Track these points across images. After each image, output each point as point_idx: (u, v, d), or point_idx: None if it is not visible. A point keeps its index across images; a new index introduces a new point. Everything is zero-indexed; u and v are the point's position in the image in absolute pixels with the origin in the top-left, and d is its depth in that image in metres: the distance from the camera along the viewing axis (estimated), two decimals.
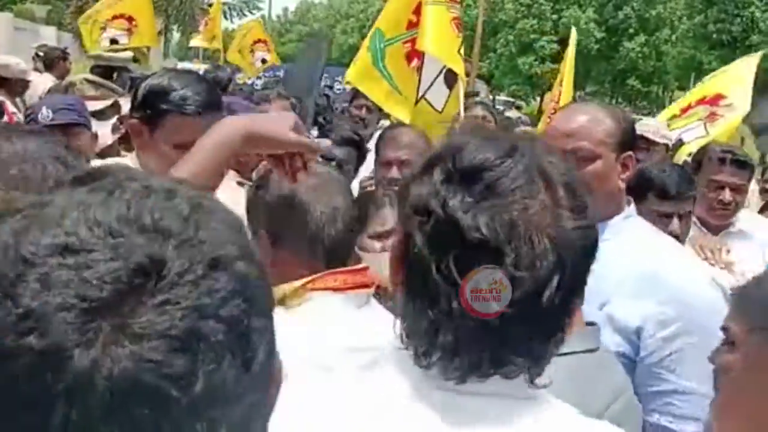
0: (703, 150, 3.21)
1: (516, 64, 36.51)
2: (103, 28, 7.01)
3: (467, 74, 8.35)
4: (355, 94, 4.68)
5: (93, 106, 3.08)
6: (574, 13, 35.33)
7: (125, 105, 2.88)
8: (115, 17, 7.05)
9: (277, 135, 1.34)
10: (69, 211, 0.52)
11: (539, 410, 0.89)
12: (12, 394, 0.47)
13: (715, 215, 2.80)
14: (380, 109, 4.57)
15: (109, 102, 3.29)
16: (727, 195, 2.77)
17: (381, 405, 0.91)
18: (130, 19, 7.12)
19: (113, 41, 6.97)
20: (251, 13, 26.73)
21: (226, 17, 26.99)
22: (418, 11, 3.68)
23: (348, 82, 4.41)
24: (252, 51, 8.25)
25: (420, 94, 3.67)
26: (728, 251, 2.52)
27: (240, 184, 2.29)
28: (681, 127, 4.60)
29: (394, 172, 2.57)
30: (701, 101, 4.74)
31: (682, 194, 2.41)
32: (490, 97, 27.42)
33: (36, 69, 6.49)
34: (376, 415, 0.91)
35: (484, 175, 0.85)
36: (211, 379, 0.50)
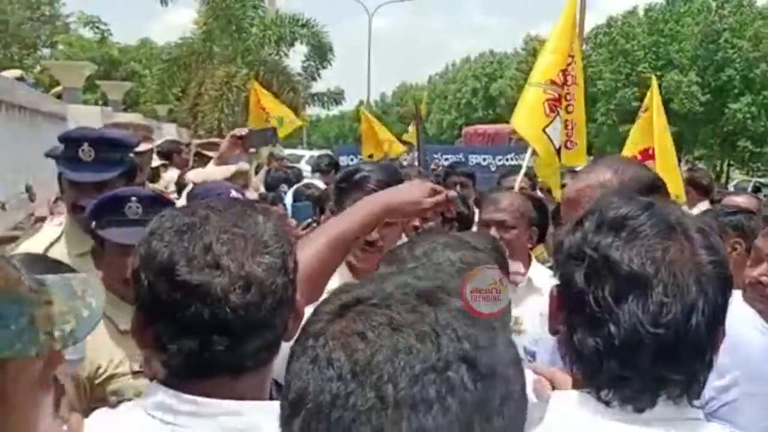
0: None
1: (618, 132, 35.97)
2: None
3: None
4: None
5: None
6: (675, 77, 34.67)
7: None
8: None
9: (413, 202, 1.55)
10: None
11: (702, 428, 1.03)
12: None
13: None
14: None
15: None
16: None
17: None
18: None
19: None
20: (344, 100, 27.71)
21: (324, 106, 28.12)
22: (564, 73, 3.95)
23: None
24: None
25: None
26: None
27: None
28: None
29: (492, 233, 2.69)
30: None
31: None
32: None
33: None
34: None
35: (628, 223, 1.02)
36: None
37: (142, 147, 3.75)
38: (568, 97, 4.11)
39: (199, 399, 1.01)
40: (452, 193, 1.62)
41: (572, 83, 4.14)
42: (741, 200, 3.83)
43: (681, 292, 0.98)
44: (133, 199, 2.08)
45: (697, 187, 4.96)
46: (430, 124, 64.46)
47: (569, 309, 1.05)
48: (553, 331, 1.10)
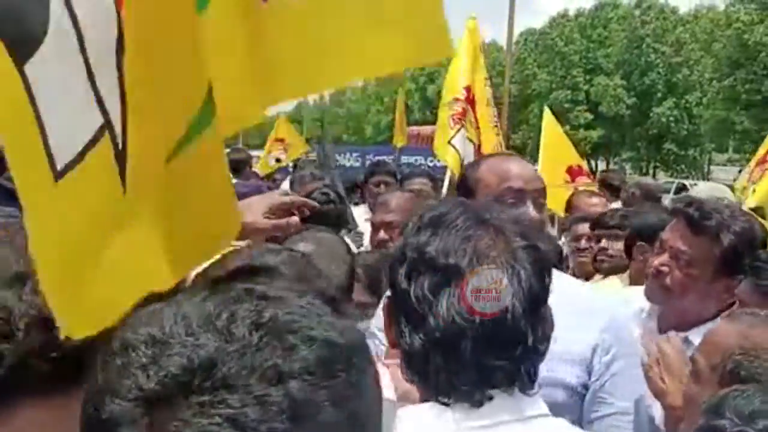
0: None
1: None
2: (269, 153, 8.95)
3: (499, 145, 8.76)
4: None
5: None
6: (602, 81, 35.71)
7: None
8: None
9: (246, 223, 1.41)
10: (170, 308, 0.58)
11: (545, 424, 1.05)
12: None
13: None
14: None
15: None
16: None
17: None
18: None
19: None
20: None
21: None
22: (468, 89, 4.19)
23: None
24: (270, 150, 9.04)
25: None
26: None
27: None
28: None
29: (382, 235, 2.76)
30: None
31: None
32: None
33: None
34: None
35: (442, 220, 1.07)
36: None
37: None
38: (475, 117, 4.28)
39: None
40: (294, 219, 1.55)
41: (486, 103, 4.36)
42: (594, 200, 4.03)
43: (494, 278, 1.01)
44: None
45: (608, 188, 5.19)
46: (368, 125, 64.59)
47: (397, 313, 1.07)
48: (391, 344, 1.11)
